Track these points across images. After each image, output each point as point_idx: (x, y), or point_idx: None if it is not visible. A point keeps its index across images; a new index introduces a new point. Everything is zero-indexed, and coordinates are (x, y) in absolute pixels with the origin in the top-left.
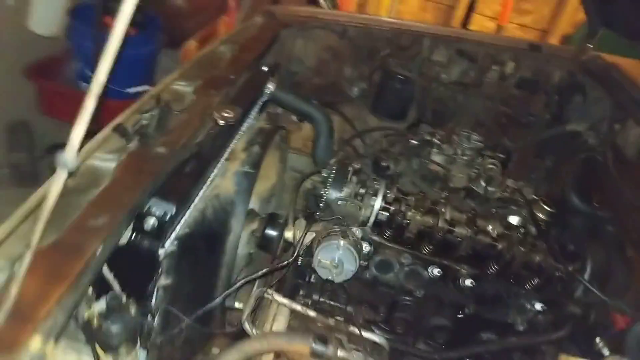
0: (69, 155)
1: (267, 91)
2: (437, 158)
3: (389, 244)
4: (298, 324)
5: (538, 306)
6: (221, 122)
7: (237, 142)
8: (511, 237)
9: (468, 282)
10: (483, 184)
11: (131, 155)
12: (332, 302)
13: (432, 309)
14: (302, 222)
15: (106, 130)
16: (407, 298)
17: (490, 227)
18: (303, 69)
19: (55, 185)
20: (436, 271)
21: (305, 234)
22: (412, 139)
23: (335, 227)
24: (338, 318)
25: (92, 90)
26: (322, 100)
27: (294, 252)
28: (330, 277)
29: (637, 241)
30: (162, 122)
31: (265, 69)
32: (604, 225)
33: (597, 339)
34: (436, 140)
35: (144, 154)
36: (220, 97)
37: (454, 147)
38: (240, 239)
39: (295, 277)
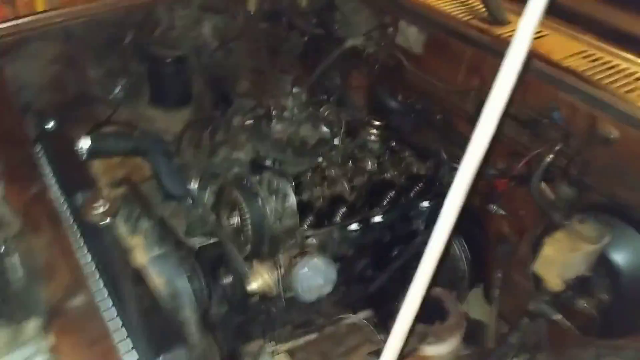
0: None
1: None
2: (279, 127)
3: (319, 230)
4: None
5: (426, 204)
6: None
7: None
8: (387, 163)
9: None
10: (326, 130)
11: None
12: None
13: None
14: (259, 266)
15: None
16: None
17: (369, 165)
18: (33, 93)
19: None
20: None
21: (281, 274)
22: (246, 121)
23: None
24: None
25: None
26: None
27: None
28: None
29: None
30: None
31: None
32: (422, 115)
33: None
34: (273, 112)
35: None
36: None
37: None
38: None
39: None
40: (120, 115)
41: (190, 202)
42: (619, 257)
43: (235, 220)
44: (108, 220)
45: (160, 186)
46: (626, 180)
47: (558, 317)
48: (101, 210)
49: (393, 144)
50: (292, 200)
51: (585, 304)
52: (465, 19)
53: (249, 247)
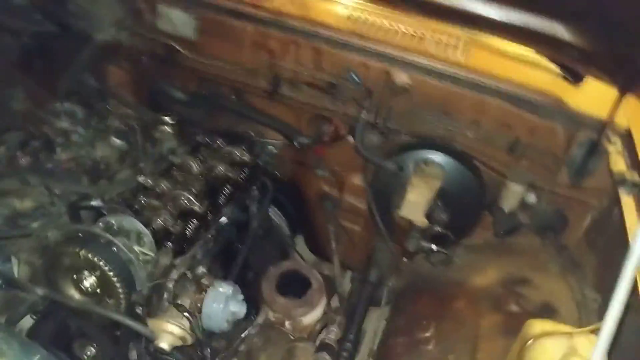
0: None
1: None
2: (66, 155)
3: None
4: None
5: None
6: None
7: None
8: (210, 158)
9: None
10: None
11: None
12: None
13: None
14: (157, 323)
15: None
16: None
17: (195, 168)
18: None
19: None
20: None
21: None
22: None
23: None
24: None
25: None
26: None
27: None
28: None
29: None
30: None
31: None
32: (214, 100)
33: None
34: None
35: None
36: None
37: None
38: None
39: None
40: None
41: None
42: (447, 183)
43: (90, 282)
44: None
45: None
46: (423, 119)
47: (434, 246)
48: None
49: (199, 138)
50: (147, 234)
51: (438, 229)
52: None
53: (122, 305)
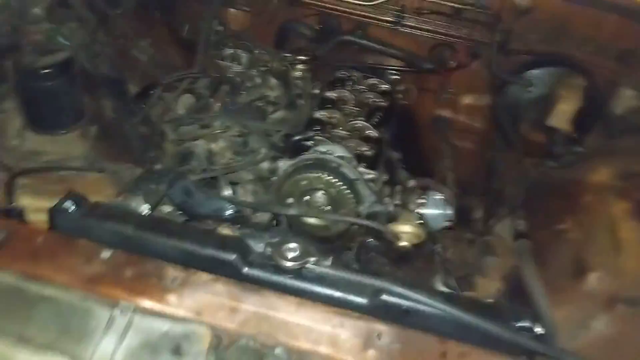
0: None
1: None
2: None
3: None
4: None
5: None
6: None
7: None
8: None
9: None
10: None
11: None
12: None
13: None
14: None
15: None
16: None
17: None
18: None
19: None
20: None
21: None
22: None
23: None
24: None
25: None
26: None
27: None
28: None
29: None
30: None
31: None
32: None
33: None
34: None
35: None
36: None
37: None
38: None
39: None
40: None
41: None
42: None
43: (321, 201)
44: None
45: None
46: (546, 35)
47: (580, 148)
48: None
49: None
50: (353, 158)
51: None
52: None
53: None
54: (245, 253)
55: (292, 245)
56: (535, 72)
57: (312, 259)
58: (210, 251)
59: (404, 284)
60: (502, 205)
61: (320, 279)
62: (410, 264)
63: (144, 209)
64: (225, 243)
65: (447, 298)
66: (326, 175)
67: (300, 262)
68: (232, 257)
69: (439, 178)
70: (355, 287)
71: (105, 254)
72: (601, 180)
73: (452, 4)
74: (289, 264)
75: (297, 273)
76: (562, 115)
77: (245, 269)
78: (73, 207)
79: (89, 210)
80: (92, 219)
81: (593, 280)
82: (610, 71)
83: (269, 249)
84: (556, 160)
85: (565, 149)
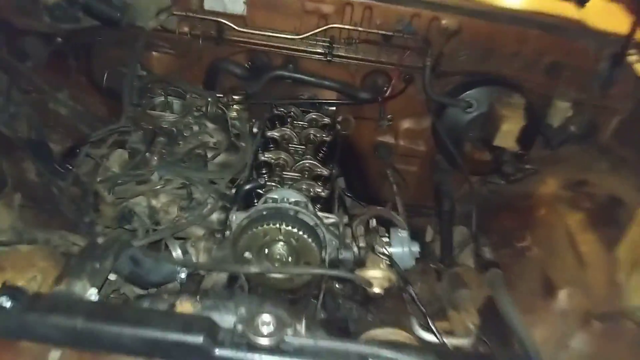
0: None
1: None
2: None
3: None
4: None
5: None
6: None
7: None
8: None
9: None
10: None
11: None
12: None
13: None
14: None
15: None
16: None
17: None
18: None
19: None
20: None
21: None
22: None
23: None
24: None
25: None
26: None
27: None
28: None
29: None
30: None
31: None
32: None
33: None
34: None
35: None
36: None
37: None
38: None
39: None
40: None
41: None
42: None
43: (281, 252)
44: None
45: None
46: (475, 55)
47: (528, 166)
48: None
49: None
50: (307, 201)
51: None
52: None
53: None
54: (213, 332)
55: (266, 317)
56: (471, 93)
57: (289, 330)
58: (174, 335)
59: (391, 347)
60: (455, 225)
61: (301, 352)
62: (379, 306)
63: (91, 293)
64: (189, 323)
65: (438, 354)
66: (284, 225)
67: (276, 337)
68: (199, 339)
69: (388, 205)
70: (339, 356)
71: (54, 354)
72: (550, 191)
73: (381, 32)
74: (264, 340)
75: (275, 349)
76: (507, 135)
77: (217, 351)
78: (9, 303)
79: (29, 303)
80: (34, 314)
81: (563, 298)
82: (540, 85)
83: (239, 326)
84: (506, 179)
85: (514, 168)
